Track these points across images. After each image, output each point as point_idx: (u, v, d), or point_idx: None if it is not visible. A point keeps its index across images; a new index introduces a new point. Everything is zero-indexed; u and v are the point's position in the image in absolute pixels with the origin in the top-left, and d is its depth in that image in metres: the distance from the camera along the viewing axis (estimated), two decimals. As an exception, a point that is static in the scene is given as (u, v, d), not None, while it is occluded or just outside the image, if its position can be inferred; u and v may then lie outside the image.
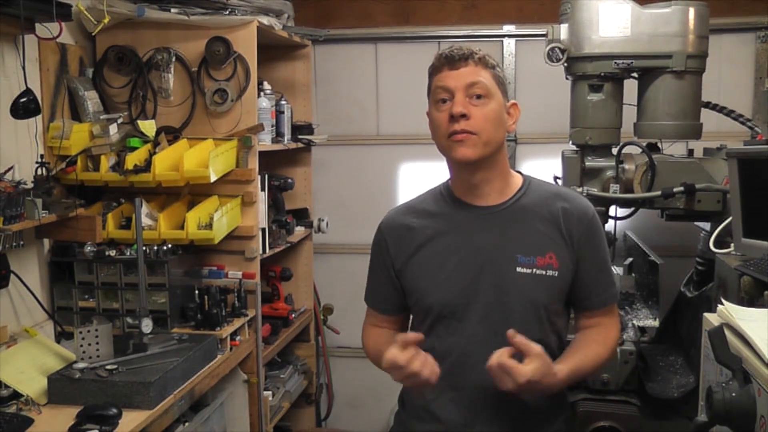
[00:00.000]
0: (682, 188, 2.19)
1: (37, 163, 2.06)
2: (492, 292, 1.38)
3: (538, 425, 1.42)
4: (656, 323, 2.40)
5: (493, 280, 1.38)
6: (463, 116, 1.33)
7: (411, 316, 1.54)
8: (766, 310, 1.30)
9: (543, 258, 1.39)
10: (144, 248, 2.10)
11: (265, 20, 2.45)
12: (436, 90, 1.38)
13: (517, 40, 3.11)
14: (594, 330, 1.46)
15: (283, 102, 2.76)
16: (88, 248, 2.21)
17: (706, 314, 1.39)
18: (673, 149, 2.41)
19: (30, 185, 1.98)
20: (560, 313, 1.44)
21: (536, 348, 1.25)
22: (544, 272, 1.38)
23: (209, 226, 2.25)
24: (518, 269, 1.38)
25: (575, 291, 1.43)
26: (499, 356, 1.24)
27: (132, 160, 2.23)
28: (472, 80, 1.35)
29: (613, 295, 1.47)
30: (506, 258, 1.39)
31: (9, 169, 1.95)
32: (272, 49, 2.86)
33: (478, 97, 1.35)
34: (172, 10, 2.34)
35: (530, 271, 1.38)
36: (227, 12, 2.37)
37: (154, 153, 2.28)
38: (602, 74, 2.24)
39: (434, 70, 1.40)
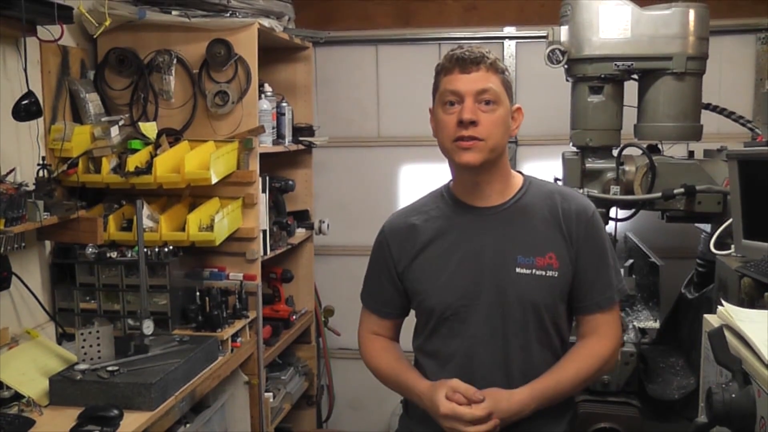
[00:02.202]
0: (682, 190, 2.19)
1: (38, 165, 2.07)
2: (493, 293, 1.39)
3: (544, 425, 1.42)
4: (657, 325, 2.40)
5: (494, 281, 1.39)
6: (473, 123, 1.34)
7: (415, 319, 1.54)
8: (766, 311, 1.30)
9: (543, 258, 1.39)
10: (145, 250, 2.10)
11: (266, 22, 2.46)
12: (445, 92, 1.37)
13: (517, 42, 3.11)
14: (585, 342, 1.44)
15: (284, 104, 2.76)
16: (89, 250, 2.21)
17: (706, 315, 1.39)
18: (674, 151, 2.41)
19: (31, 187, 1.98)
20: (562, 314, 1.44)
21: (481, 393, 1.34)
22: (543, 273, 1.38)
23: (210, 227, 2.26)
24: (518, 270, 1.38)
25: (572, 291, 1.43)
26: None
27: (133, 161, 2.23)
28: (483, 86, 1.35)
29: (609, 299, 1.43)
30: (506, 259, 1.39)
31: (11, 171, 1.95)
32: (273, 51, 2.86)
33: (487, 103, 1.35)
34: (173, 12, 2.34)
35: (530, 271, 1.38)
36: (228, 14, 2.37)
37: (155, 155, 2.28)
38: (602, 76, 2.25)
39: (444, 71, 1.39)
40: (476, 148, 1.35)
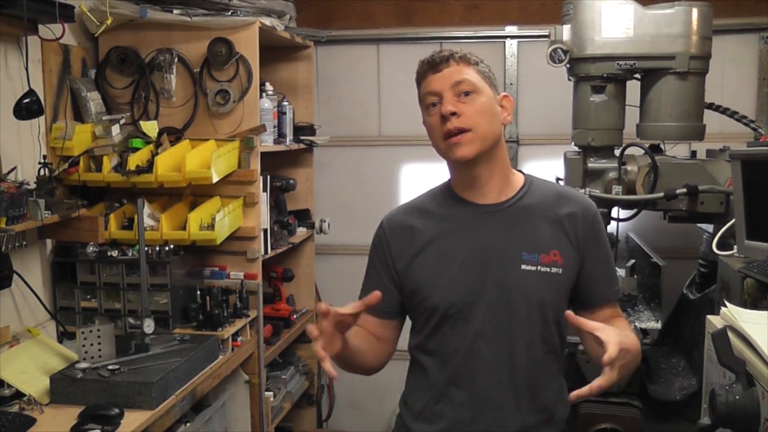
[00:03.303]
0: (684, 190, 2.19)
1: (39, 163, 2.07)
2: (497, 290, 1.38)
3: (543, 425, 1.42)
4: (658, 325, 2.40)
5: (498, 279, 1.38)
6: (454, 114, 1.34)
7: (412, 321, 1.52)
8: (769, 312, 1.30)
9: (547, 255, 1.38)
10: (146, 249, 2.10)
11: (267, 21, 2.46)
12: (425, 96, 1.39)
13: (519, 41, 3.11)
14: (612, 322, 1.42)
15: (285, 103, 2.76)
16: (90, 249, 2.21)
17: (709, 316, 1.38)
18: (676, 150, 2.41)
19: (33, 186, 1.99)
20: (564, 311, 1.43)
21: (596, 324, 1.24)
22: (548, 270, 1.38)
23: (211, 226, 2.25)
24: (523, 267, 1.38)
25: (579, 289, 1.43)
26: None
27: (134, 160, 2.23)
28: (457, 78, 1.36)
29: (615, 292, 1.48)
30: (510, 256, 1.39)
31: (12, 170, 1.95)
32: (274, 50, 2.86)
33: (466, 94, 1.36)
34: (175, 11, 2.34)
35: (535, 268, 1.38)
36: (229, 13, 2.37)
37: (156, 154, 2.28)
38: (605, 75, 2.24)
39: (420, 78, 1.42)
40: (466, 140, 1.35)
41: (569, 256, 1.40)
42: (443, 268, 1.41)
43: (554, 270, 1.38)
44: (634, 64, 2.21)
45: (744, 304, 1.62)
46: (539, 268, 1.38)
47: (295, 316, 2.90)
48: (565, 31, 2.27)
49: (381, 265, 1.50)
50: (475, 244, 1.40)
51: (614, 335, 1.19)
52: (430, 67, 1.38)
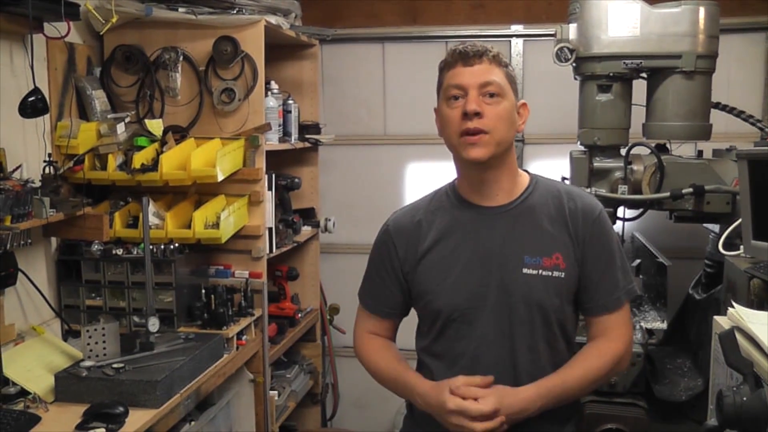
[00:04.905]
0: (691, 189, 2.18)
1: (44, 161, 2.07)
2: (499, 294, 1.38)
3: (549, 427, 1.41)
4: (664, 325, 2.39)
5: (501, 282, 1.38)
6: (477, 114, 1.33)
7: (419, 322, 1.52)
8: (776, 313, 1.29)
9: (549, 259, 1.37)
10: (151, 247, 2.10)
11: (272, 19, 2.45)
12: (449, 87, 1.37)
13: (525, 40, 3.10)
14: (594, 343, 1.42)
15: (291, 101, 2.76)
16: (95, 247, 2.21)
17: (716, 317, 1.38)
18: (682, 150, 2.40)
19: (38, 184, 1.99)
20: (569, 315, 1.42)
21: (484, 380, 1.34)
22: (550, 273, 1.37)
23: (216, 225, 2.26)
24: (524, 270, 1.37)
25: (579, 292, 1.41)
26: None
27: (139, 159, 2.23)
28: (487, 79, 1.34)
29: (616, 300, 1.41)
30: (513, 259, 1.38)
31: (17, 168, 1.95)
32: (280, 49, 2.86)
33: (492, 95, 1.34)
34: (180, 9, 2.34)
35: (536, 272, 1.37)
36: (235, 11, 2.37)
37: (162, 152, 2.28)
38: (611, 74, 2.23)
39: (446, 66, 1.39)
40: (482, 142, 1.34)
41: (571, 258, 1.38)
42: (447, 271, 1.41)
43: (556, 274, 1.37)
44: (641, 63, 2.20)
45: (750, 305, 1.61)
46: (541, 271, 1.37)
47: (299, 315, 2.90)
48: (572, 30, 2.26)
49: (386, 267, 1.49)
50: (479, 247, 1.40)
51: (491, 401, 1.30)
52: (461, 58, 1.36)
